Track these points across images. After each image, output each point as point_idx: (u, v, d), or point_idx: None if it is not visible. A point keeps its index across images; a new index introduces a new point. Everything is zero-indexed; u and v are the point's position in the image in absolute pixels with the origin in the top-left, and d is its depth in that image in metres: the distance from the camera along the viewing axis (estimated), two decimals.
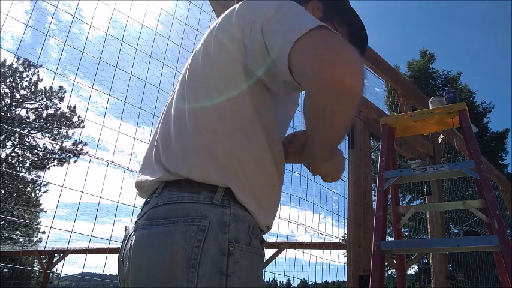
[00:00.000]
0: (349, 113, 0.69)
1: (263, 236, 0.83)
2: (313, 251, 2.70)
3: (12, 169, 15.28)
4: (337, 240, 2.99)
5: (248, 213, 0.76)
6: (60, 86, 16.88)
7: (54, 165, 16.83)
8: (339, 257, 3.18)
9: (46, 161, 16.78)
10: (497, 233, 1.64)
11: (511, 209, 5.16)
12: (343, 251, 3.26)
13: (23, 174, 16.01)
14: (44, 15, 2.73)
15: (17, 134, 15.32)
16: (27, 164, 16.59)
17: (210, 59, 0.82)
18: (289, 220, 2.33)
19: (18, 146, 16.29)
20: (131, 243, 0.74)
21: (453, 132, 3.27)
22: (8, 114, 15.64)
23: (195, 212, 0.70)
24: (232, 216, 0.72)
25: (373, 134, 2.83)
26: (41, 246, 12.27)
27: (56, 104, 17.51)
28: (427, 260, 7.04)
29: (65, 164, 16.81)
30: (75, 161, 16.03)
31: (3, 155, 15.58)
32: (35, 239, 15.76)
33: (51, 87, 17.05)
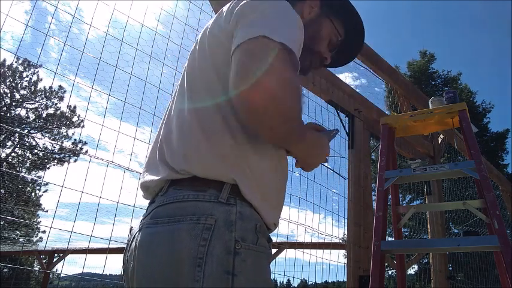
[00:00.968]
0: (263, 126, 0.69)
1: (270, 234, 0.82)
2: (313, 251, 2.70)
3: (12, 169, 15.28)
4: (337, 240, 2.99)
5: (255, 211, 0.75)
6: (60, 86, 16.88)
7: (54, 165, 16.83)
8: (339, 257, 3.18)
9: (46, 161, 16.77)
10: (497, 233, 1.64)
11: (511, 209, 5.16)
12: (343, 251, 3.26)
13: (23, 174, 16.01)
14: (44, 15, 2.73)
15: (17, 134, 15.32)
16: (27, 164, 16.59)
17: (207, 59, 0.83)
18: (289, 220, 2.33)
19: (18, 146, 16.29)
20: (136, 242, 0.74)
21: (453, 132, 3.27)
22: (8, 114, 15.63)
23: (201, 210, 0.70)
24: (239, 215, 0.71)
25: (373, 134, 2.83)
26: (41, 246, 12.27)
27: (56, 104, 17.51)
28: (427, 260, 7.04)
29: (65, 164, 16.81)
30: (75, 161, 16.03)
31: (3, 155, 15.58)
32: (35, 239, 15.76)
33: (51, 87, 17.04)
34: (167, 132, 0.85)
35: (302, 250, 2.62)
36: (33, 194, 16.52)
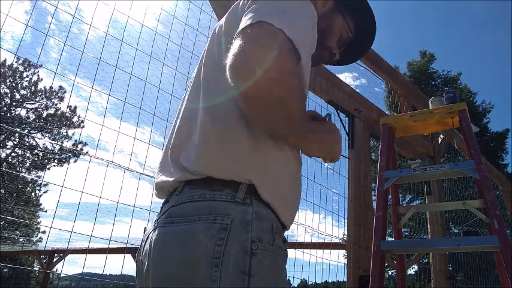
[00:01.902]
0: (265, 117, 0.69)
1: (285, 233, 0.81)
2: (313, 251, 2.69)
3: (12, 169, 15.27)
4: (337, 240, 2.99)
5: (271, 211, 0.74)
6: (60, 86, 16.88)
7: (54, 165, 16.82)
8: (339, 257, 3.18)
9: (46, 161, 16.77)
10: (497, 233, 1.64)
11: (511, 209, 5.16)
12: (343, 251, 3.26)
13: (23, 174, 16.01)
14: (44, 15, 2.73)
15: (17, 134, 15.32)
16: (27, 164, 16.58)
17: (221, 57, 0.82)
18: None
19: (18, 146, 16.29)
20: (151, 241, 0.73)
21: (453, 132, 3.27)
22: (8, 114, 15.63)
23: (217, 210, 0.69)
24: (255, 215, 0.70)
25: (373, 134, 2.83)
26: (41, 246, 12.26)
27: (56, 104, 17.51)
28: (427, 260, 7.04)
29: (65, 164, 16.81)
30: (75, 161, 16.02)
31: (3, 155, 15.58)
32: (35, 239, 15.75)
33: (51, 87, 17.05)
34: (180, 133, 0.84)
35: (302, 250, 2.62)
36: (33, 194, 16.51)
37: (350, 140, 2.65)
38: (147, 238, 0.77)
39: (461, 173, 1.94)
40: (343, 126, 2.69)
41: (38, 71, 16.62)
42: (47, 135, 17.50)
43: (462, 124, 2.05)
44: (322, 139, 0.81)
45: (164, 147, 0.91)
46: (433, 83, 19.63)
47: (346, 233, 2.49)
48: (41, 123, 16.87)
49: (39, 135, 17.48)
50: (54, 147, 16.82)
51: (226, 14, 0.88)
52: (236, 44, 0.66)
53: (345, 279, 2.38)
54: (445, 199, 4.28)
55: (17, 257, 13.47)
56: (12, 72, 16.49)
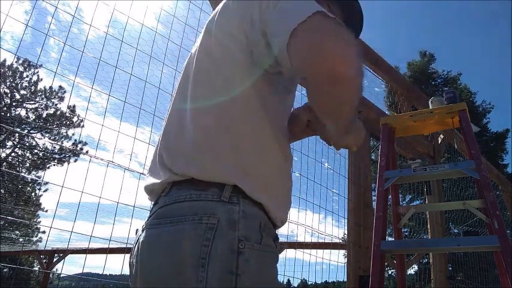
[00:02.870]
0: (350, 96, 0.69)
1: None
2: (313, 251, 2.70)
3: (12, 169, 15.27)
4: (337, 240, 2.99)
5: (259, 209, 0.74)
6: (60, 86, 16.88)
7: (54, 165, 16.83)
8: (339, 257, 3.19)
9: (46, 161, 16.77)
10: (497, 233, 1.64)
11: (511, 209, 5.16)
12: (343, 251, 3.26)
13: (23, 174, 16.01)
14: (44, 15, 2.73)
15: (17, 134, 15.31)
16: (27, 164, 16.58)
17: (212, 61, 0.81)
18: (289, 220, 2.33)
19: (18, 146, 16.29)
20: (139, 242, 0.74)
21: (453, 132, 3.27)
22: (8, 114, 15.63)
23: (203, 209, 0.69)
24: (242, 214, 0.70)
25: (373, 134, 2.83)
26: (41, 246, 12.26)
27: (56, 104, 17.51)
28: (427, 260, 7.04)
29: (65, 164, 16.83)
30: (75, 160, 16.00)
31: (3, 155, 15.58)
32: (35, 239, 15.75)
33: (51, 87, 17.05)
34: (167, 135, 0.84)
35: (302, 250, 2.62)
36: (33, 194, 16.51)
37: None
38: (137, 240, 0.77)
39: (461, 173, 1.94)
40: None
41: (38, 71, 16.63)
42: (46, 135, 17.49)
43: (462, 124, 2.05)
44: (360, 128, 0.87)
45: (155, 148, 0.91)
46: (433, 83, 19.64)
47: (346, 233, 2.49)
48: (41, 123, 16.86)
49: (39, 135, 17.48)
50: (54, 147, 16.83)
51: (217, 14, 0.85)
52: (307, 41, 0.65)
53: (345, 279, 2.38)
54: (445, 199, 4.28)
55: (17, 257, 13.45)
56: (12, 72, 16.49)
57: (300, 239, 2.83)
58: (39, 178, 19.43)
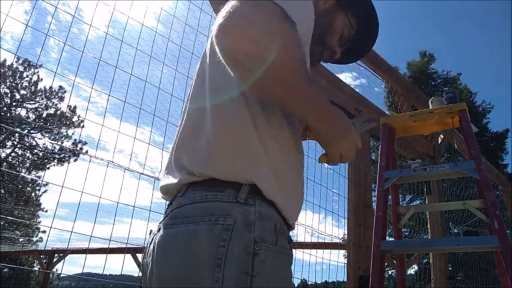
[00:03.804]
0: (269, 73, 0.64)
1: (290, 233, 0.81)
2: (313, 251, 2.70)
3: (12, 169, 15.27)
4: (337, 240, 2.99)
5: (274, 211, 0.74)
6: (60, 86, 16.88)
7: (54, 165, 16.83)
8: (339, 257, 3.18)
9: (46, 161, 16.77)
10: (497, 233, 1.64)
11: (511, 209, 5.16)
12: (343, 251, 3.26)
13: (23, 174, 16.01)
14: (44, 15, 2.73)
15: (17, 134, 15.32)
16: (27, 164, 16.58)
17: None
18: None
19: (18, 146, 16.28)
20: (155, 242, 0.74)
21: (453, 132, 3.27)
22: (8, 114, 15.63)
23: (219, 210, 0.69)
24: (258, 215, 0.70)
25: (373, 134, 2.83)
26: (41, 246, 12.26)
27: (56, 104, 17.51)
28: (427, 260, 7.04)
29: (65, 164, 16.83)
30: (75, 160, 16.00)
31: (3, 155, 15.58)
32: (35, 239, 15.75)
33: (51, 87, 17.05)
34: (184, 135, 0.84)
35: (302, 250, 2.62)
36: (33, 194, 16.51)
37: None
38: (152, 240, 0.77)
39: (461, 173, 1.94)
40: None
41: (38, 71, 16.63)
42: (47, 135, 17.50)
43: (462, 124, 2.05)
44: (333, 117, 0.78)
45: (170, 150, 0.91)
46: (433, 83, 19.63)
47: (346, 233, 2.49)
48: (41, 123, 16.87)
49: (39, 135, 17.48)
50: (54, 147, 16.83)
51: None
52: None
53: (345, 279, 2.38)
54: (445, 199, 4.28)
55: (17, 257, 13.45)
56: (12, 72, 16.49)
57: (300, 239, 2.84)
58: (39, 178, 19.43)
